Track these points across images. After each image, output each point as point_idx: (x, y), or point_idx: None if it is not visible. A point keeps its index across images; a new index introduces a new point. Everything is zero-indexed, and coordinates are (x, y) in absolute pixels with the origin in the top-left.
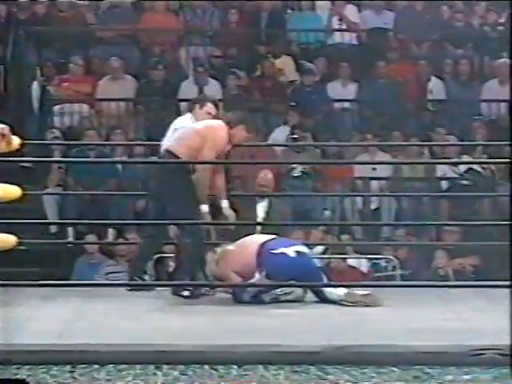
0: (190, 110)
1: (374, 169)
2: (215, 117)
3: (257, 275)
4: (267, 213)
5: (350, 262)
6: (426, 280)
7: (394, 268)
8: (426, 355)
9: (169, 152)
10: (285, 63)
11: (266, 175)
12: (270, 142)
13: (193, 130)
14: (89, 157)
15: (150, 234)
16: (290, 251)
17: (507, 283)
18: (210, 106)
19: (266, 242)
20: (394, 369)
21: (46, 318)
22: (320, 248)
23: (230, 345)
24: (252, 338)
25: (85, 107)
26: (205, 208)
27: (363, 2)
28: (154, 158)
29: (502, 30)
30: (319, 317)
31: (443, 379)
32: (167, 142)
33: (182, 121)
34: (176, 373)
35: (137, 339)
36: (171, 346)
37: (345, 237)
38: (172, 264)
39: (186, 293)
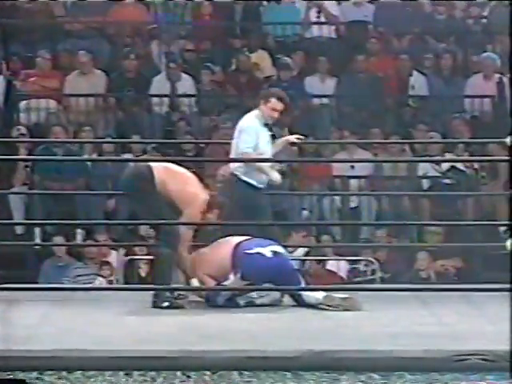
0: (256, 106)
1: (353, 167)
2: (281, 113)
3: (231, 277)
4: None
5: (329, 266)
6: (406, 283)
7: (373, 271)
8: (406, 361)
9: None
10: (261, 58)
11: (225, 171)
12: None
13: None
14: (56, 155)
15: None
16: (266, 251)
17: (490, 286)
18: (274, 102)
19: (240, 242)
20: (374, 375)
21: (12, 322)
22: (301, 251)
23: (203, 350)
24: (226, 342)
25: (52, 103)
26: (195, 282)
27: None
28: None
29: (485, 23)
30: (297, 321)
31: None
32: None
33: (249, 120)
34: (147, 379)
35: (106, 344)
36: (142, 351)
37: (324, 237)
38: (143, 267)
39: (165, 304)
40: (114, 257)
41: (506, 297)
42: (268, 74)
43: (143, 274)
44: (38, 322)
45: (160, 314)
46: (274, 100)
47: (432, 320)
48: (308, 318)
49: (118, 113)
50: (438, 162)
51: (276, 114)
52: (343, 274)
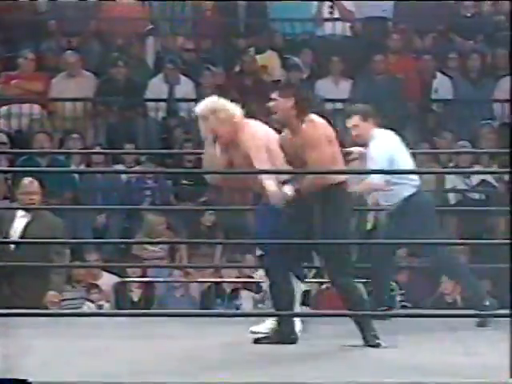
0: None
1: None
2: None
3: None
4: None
5: None
6: (430, 308)
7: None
8: None
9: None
10: (269, 59)
11: (32, 183)
12: None
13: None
14: (40, 165)
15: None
16: None
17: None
18: None
19: None
20: None
21: None
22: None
23: (209, 383)
24: (237, 371)
25: (36, 108)
26: None
27: None
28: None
29: None
30: (310, 352)
31: None
32: None
33: None
34: None
35: (94, 376)
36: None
37: None
38: (135, 291)
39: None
40: (105, 279)
41: None
42: (277, 77)
43: (135, 299)
44: (18, 352)
45: (153, 341)
46: None
47: (459, 350)
48: (322, 351)
49: (109, 119)
50: (467, 175)
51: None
52: None
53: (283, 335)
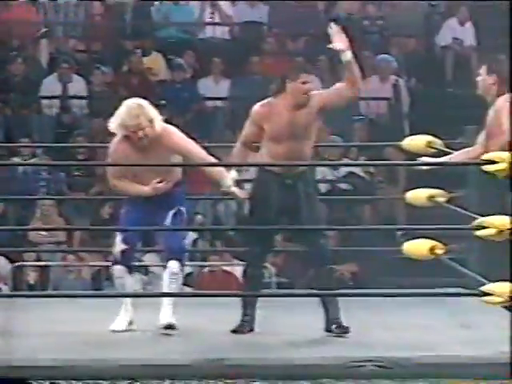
0: None
1: (247, 170)
2: None
3: None
4: None
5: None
6: (303, 288)
7: (269, 276)
8: (300, 368)
9: None
10: (154, 60)
11: None
12: None
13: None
14: None
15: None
16: None
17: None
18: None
19: None
20: None
21: None
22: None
23: (92, 359)
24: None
25: None
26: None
27: None
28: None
29: (382, 24)
30: (187, 327)
31: None
32: None
33: None
34: None
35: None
36: (28, 360)
37: (219, 243)
38: (32, 274)
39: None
40: (2, 264)
41: (403, 302)
42: (162, 77)
43: (32, 282)
44: None
45: (50, 320)
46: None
47: None
48: (198, 325)
49: (6, 115)
50: (336, 167)
51: None
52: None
53: None
